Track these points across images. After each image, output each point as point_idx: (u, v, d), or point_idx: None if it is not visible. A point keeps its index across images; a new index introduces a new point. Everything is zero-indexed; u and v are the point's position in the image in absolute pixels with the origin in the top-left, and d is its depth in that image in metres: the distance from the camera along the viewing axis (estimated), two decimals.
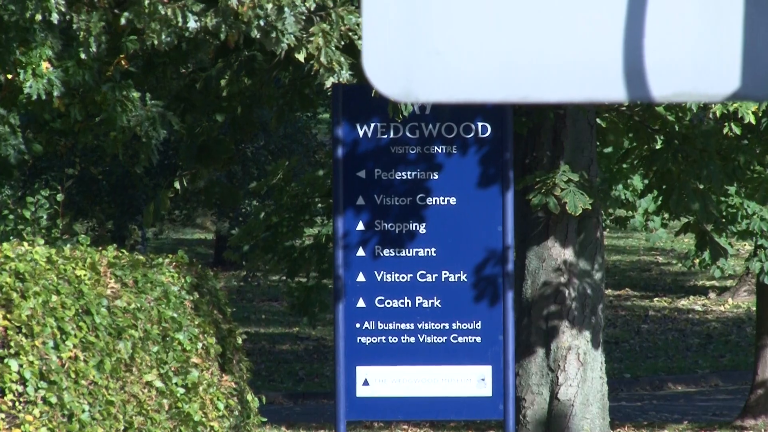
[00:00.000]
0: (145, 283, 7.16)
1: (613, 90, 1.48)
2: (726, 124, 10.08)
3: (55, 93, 7.44)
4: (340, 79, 7.35)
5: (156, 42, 6.98)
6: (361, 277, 9.27)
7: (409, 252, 9.29)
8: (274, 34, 6.99)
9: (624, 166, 11.82)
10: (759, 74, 1.45)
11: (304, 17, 7.05)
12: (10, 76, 7.83)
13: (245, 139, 13.02)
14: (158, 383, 7.04)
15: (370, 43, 1.46)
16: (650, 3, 1.48)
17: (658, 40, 1.47)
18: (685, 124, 10.62)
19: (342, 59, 7.17)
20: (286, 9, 6.84)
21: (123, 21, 7.15)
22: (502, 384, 9.18)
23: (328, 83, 7.39)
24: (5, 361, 5.72)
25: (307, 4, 7.04)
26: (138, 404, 6.89)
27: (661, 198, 10.91)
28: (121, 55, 7.82)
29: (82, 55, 7.49)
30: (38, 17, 7.06)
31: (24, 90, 7.45)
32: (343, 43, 7.17)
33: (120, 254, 7.33)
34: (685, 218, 11.59)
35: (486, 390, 9.19)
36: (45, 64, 7.46)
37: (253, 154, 15.38)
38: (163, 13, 6.92)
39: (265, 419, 8.77)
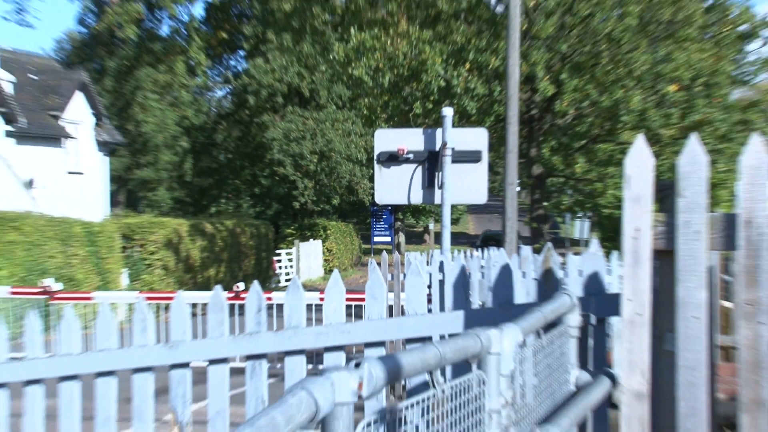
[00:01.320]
0: (345, 228, 42.47)
1: (429, 199, 7.08)
2: None
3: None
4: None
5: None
6: (374, 230, 44.26)
7: (381, 225, 43.09)
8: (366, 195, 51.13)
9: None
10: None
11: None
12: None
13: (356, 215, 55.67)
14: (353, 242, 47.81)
15: (377, 191, 7.29)
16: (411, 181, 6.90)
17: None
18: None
19: None
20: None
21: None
22: (394, 242, 43.71)
23: (367, 203, 45.42)
24: (325, 245, 39.50)
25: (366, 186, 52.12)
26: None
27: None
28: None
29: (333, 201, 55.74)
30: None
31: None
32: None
33: (341, 223, 43.46)
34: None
35: (389, 240, 44.21)
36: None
37: (364, 216, 49.60)
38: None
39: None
